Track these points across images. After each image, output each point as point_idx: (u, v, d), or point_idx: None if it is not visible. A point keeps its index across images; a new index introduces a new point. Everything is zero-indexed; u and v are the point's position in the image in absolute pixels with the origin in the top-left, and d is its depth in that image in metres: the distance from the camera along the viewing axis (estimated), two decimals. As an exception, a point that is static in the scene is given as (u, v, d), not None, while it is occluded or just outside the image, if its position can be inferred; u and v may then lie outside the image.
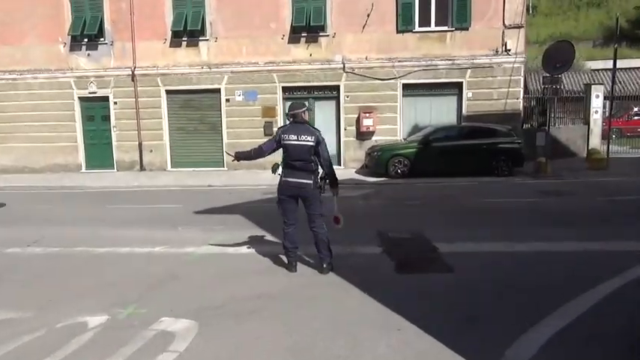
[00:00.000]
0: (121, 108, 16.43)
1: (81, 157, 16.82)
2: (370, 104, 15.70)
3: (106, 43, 16.22)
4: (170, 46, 16.06)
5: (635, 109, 22.64)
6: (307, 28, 15.48)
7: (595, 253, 5.89)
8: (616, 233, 6.87)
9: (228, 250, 6.42)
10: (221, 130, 16.24)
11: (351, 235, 7.02)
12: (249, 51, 15.75)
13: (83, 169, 16.80)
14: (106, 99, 16.44)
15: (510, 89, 15.31)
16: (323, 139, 5.20)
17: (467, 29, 15.22)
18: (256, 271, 5.48)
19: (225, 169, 15.87)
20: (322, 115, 16.04)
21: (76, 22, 15.92)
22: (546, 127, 13.93)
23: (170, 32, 15.86)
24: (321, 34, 15.64)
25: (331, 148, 16.19)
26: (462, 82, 15.47)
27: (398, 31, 15.38)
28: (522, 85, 15.76)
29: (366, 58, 15.54)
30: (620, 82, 20.60)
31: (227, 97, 16.11)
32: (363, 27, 15.31)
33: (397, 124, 15.84)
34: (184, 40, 15.98)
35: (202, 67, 16.01)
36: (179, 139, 16.59)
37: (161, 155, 16.54)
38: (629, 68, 28.80)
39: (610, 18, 44.66)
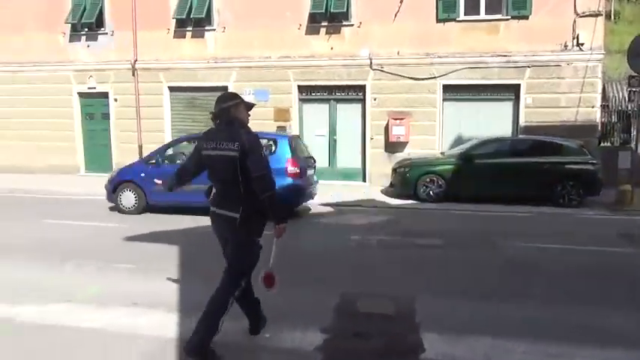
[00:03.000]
0: (121, 106, 14.67)
1: (79, 158, 15.22)
2: (402, 109, 12.91)
3: (106, 33, 14.52)
4: (174, 37, 14.09)
5: None
6: (328, 16, 12.97)
7: None
8: None
9: (80, 318, 3.95)
10: (228, 135, 13.97)
11: (297, 299, 4.36)
12: (260, 43, 13.42)
13: (82, 172, 15.16)
14: (105, 95, 14.77)
15: (583, 94, 11.99)
16: (256, 147, 3.14)
17: (526, 18, 12.09)
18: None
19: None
20: (345, 121, 13.53)
21: (74, 10, 14.34)
22: (632, 145, 10.54)
23: (173, 21, 13.89)
24: (344, 23, 13.06)
25: (355, 161, 13.64)
26: (519, 85, 12.37)
27: (438, 21, 12.49)
28: (600, 89, 12.36)
29: (398, 53, 12.76)
30: None
31: (236, 97, 13.87)
32: (395, 15, 12.55)
33: (436, 134, 12.94)
34: (189, 30, 13.97)
35: (208, 62, 13.89)
36: (182, 142, 14.56)
37: (162, 161, 14.53)
38: None
39: None
